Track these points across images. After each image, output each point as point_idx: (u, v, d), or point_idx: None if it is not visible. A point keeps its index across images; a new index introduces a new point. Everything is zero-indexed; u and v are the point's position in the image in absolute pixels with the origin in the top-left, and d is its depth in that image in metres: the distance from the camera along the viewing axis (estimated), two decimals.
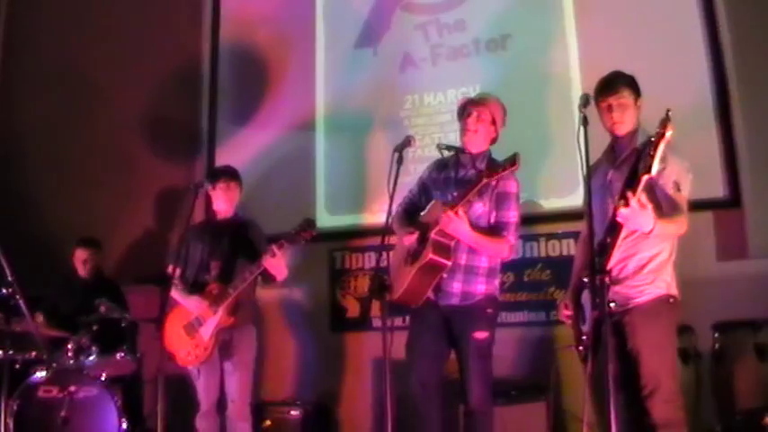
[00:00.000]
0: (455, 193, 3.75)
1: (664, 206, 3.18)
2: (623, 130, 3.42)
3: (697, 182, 3.35)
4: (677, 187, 3.19)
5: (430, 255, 3.66)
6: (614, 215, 3.09)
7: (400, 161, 3.70)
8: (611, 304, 2.95)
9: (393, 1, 6.02)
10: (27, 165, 6.75)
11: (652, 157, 2.90)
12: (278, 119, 6.17)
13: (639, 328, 3.22)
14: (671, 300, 3.31)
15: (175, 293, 4.40)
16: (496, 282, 3.89)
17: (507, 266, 5.20)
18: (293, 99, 6.18)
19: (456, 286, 3.77)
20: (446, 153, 4.00)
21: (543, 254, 5.22)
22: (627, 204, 2.95)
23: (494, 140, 4.00)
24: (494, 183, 3.67)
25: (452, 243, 3.72)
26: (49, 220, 6.44)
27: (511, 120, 5.36)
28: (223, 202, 4.59)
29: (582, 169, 3.37)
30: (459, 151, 3.98)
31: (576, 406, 4.22)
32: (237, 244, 4.51)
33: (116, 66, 6.67)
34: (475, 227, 3.69)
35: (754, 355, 4.01)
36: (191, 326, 4.34)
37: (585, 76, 5.01)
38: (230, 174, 4.65)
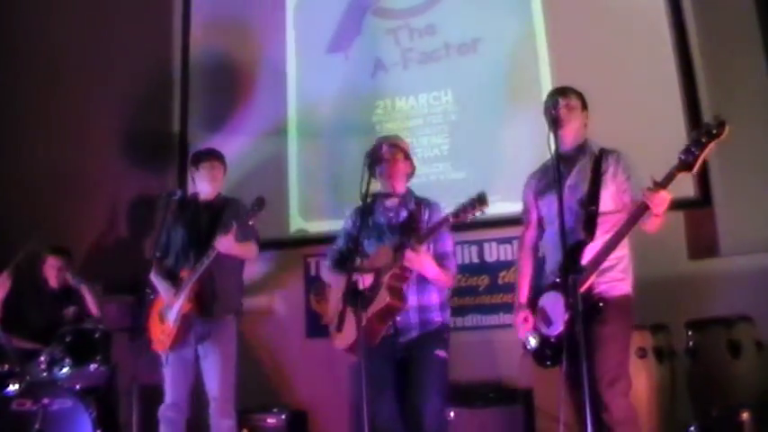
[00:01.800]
0: (401, 236, 3.74)
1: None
2: (568, 128, 3.44)
3: None
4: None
5: (388, 299, 3.61)
6: (590, 214, 3.20)
7: (372, 166, 3.70)
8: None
9: (364, 6, 6.03)
10: None
11: (698, 156, 2.89)
12: (250, 125, 6.16)
13: (608, 321, 3.24)
14: (631, 299, 3.40)
15: (154, 278, 4.39)
16: (448, 313, 3.90)
17: (482, 269, 5.25)
18: (265, 105, 6.17)
19: (413, 321, 3.75)
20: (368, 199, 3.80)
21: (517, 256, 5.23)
22: (657, 191, 2.99)
23: (411, 174, 4.01)
24: (426, 217, 3.77)
25: (405, 287, 3.70)
26: (17, 229, 6.34)
27: (482, 124, 5.43)
28: (207, 183, 4.46)
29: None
30: (383, 196, 3.92)
31: (553, 406, 4.22)
32: (214, 227, 4.27)
33: (86, 72, 6.59)
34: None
35: (728, 352, 4.04)
36: (162, 312, 4.32)
37: (556, 80, 5.04)
38: (214, 154, 4.55)
